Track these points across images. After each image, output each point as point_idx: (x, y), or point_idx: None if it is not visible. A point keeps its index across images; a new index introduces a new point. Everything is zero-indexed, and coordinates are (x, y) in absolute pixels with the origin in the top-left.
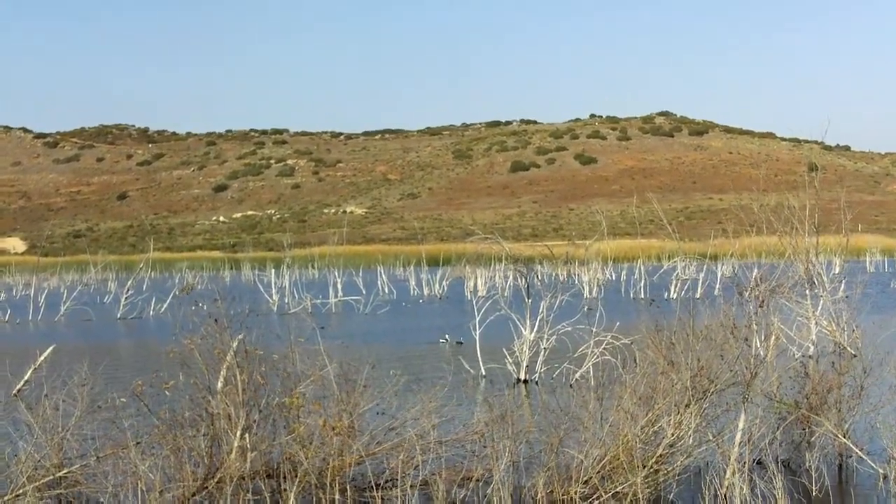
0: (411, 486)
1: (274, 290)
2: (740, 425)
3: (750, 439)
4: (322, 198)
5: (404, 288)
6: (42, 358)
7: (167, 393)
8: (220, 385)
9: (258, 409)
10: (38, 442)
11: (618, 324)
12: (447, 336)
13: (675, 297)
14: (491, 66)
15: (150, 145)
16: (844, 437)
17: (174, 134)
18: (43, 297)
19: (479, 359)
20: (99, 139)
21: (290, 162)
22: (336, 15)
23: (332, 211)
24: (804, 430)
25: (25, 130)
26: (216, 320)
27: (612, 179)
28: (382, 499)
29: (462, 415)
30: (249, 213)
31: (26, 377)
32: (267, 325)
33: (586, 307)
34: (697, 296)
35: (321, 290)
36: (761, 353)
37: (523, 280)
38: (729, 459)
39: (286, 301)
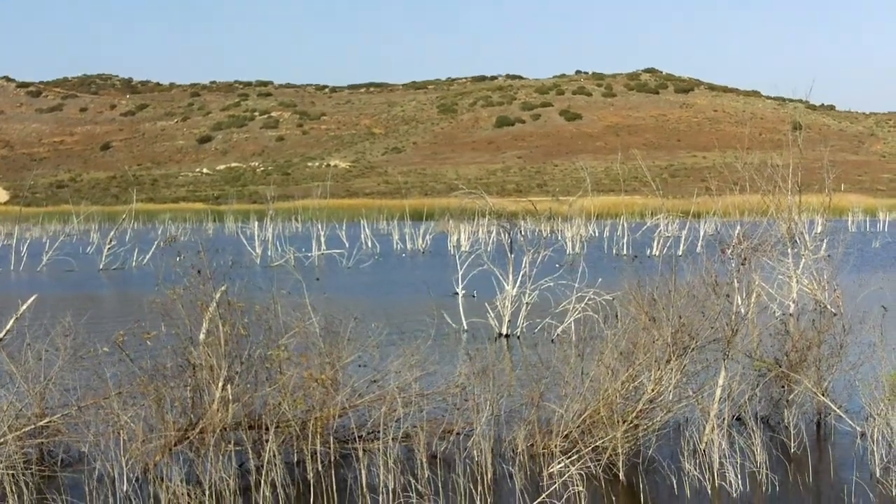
0: (393, 439)
1: (257, 243)
2: (720, 382)
3: (730, 396)
4: (306, 151)
5: (388, 242)
6: (24, 307)
7: (149, 343)
8: (202, 336)
9: (240, 361)
10: (19, 391)
11: (600, 280)
12: (475, 291)
13: (657, 254)
14: (477, 21)
15: (133, 96)
16: (823, 395)
17: (158, 84)
18: (25, 247)
19: (462, 313)
20: (82, 89)
21: (274, 114)
22: None
23: (316, 164)
24: (783, 387)
25: (8, 79)
26: (199, 271)
27: (596, 136)
28: (364, 450)
29: (444, 369)
30: (233, 165)
31: (8, 326)
32: (250, 278)
33: (569, 263)
34: (680, 253)
35: (304, 244)
36: (742, 310)
37: (506, 235)
38: (708, 415)
39: (269, 254)
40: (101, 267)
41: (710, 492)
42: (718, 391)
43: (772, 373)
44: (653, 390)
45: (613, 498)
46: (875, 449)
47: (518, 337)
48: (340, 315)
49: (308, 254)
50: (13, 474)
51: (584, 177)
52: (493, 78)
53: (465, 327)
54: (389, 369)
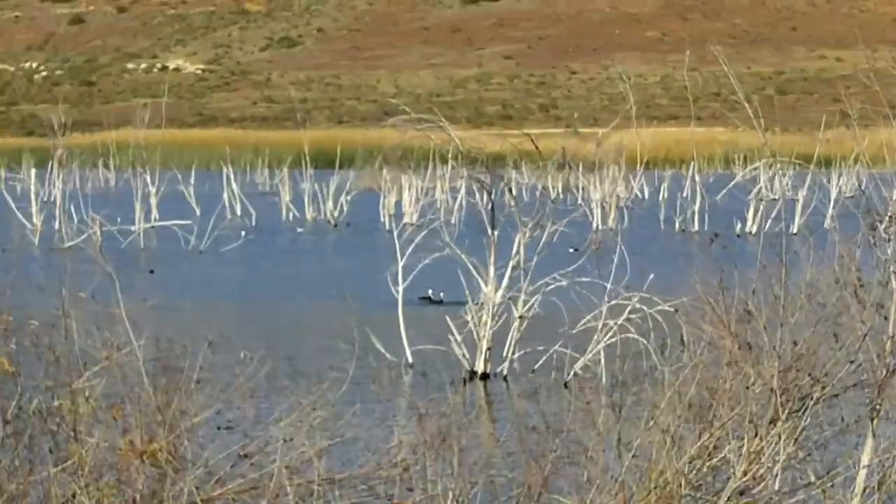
0: None
1: (35, 208)
2: (865, 458)
3: (882, 484)
4: (124, 43)
5: (271, 207)
6: None
7: None
8: None
9: (3, 420)
10: None
11: (651, 277)
12: (431, 291)
13: (754, 230)
14: None
15: None
16: None
17: None
18: None
19: (404, 334)
20: None
21: None
22: None
23: (143, 66)
24: None
25: None
26: None
27: (646, 20)
28: None
29: (371, 434)
30: None
31: None
32: (23, 271)
33: (596, 246)
34: (794, 230)
35: (120, 209)
36: None
37: (485, 197)
38: None
39: (57, 226)
40: None
41: None
42: (862, 475)
43: None
44: (745, 473)
45: None
46: None
47: (505, 378)
48: (184, 337)
49: (128, 227)
50: None
51: (624, 93)
52: None
53: (410, 360)
54: (273, 436)
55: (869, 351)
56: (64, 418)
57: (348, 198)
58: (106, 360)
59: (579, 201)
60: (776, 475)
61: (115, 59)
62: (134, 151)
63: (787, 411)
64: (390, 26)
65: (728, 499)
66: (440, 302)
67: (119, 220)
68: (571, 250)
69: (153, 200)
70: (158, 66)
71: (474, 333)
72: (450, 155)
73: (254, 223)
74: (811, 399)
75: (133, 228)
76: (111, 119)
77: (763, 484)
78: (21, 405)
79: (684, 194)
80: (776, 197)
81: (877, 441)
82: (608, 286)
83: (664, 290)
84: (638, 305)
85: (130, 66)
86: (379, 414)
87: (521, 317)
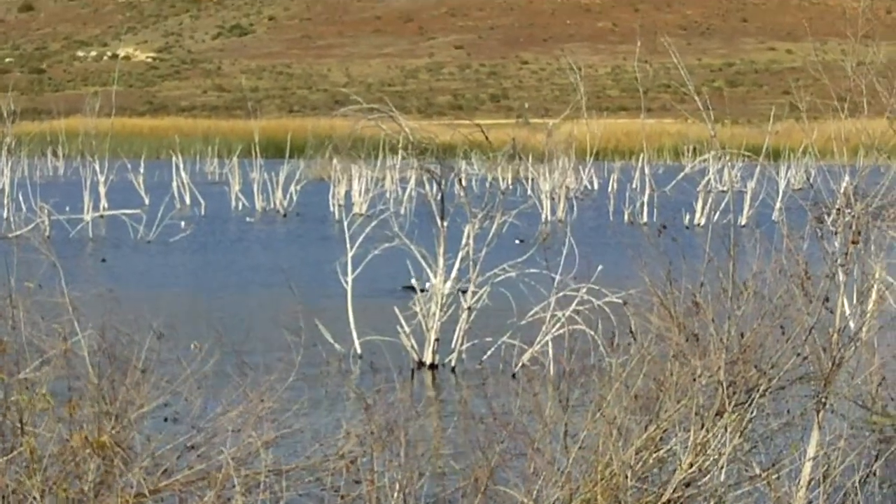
0: None
1: None
2: (810, 451)
3: (827, 476)
4: (75, 31)
5: (220, 196)
6: None
7: None
8: None
9: None
10: None
11: (600, 268)
12: (415, 280)
13: (702, 222)
14: None
15: None
16: None
17: None
18: None
19: (352, 325)
20: None
21: None
22: None
23: (93, 54)
24: None
25: None
26: None
27: (598, 10)
28: None
29: (319, 425)
30: None
31: None
32: None
33: (544, 237)
34: (743, 221)
35: (70, 198)
36: (851, 324)
37: (435, 188)
38: None
39: (5, 215)
40: None
41: None
42: (807, 468)
43: None
44: (691, 465)
45: None
46: None
47: (453, 369)
48: (131, 327)
49: (77, 216)
50: None
51: (574, 83)
52: None
53: (359, 351)
54: (220, 426)
55: (815, 344)
56: (9, 409)
57: (298, 187)
58: (52, 351)
59: (529, 192)
60: (722, 467)
61: (65, 47)
62: (83, 140)
63: (733, 403)
64: (342, 15)
65: (674, 490)
66: (423, 290)
67: (68, 208)
68: (518, 241)
69: (102, 189)
70: (109, 54)
71: (423, 324)
72: (400, 145)
73: (203, 212)
74: (757, 391)
75: (82, 217)
76: (61, 107)
77: (709, 476)
78: None
79: (633, 186)
80: (725, 189)
81: (822, 433)
82: (556, 277)
83: (613, 281)
84: (586, 297)
85: (80, 53)
86: (326, 405)
87: (469, 308)
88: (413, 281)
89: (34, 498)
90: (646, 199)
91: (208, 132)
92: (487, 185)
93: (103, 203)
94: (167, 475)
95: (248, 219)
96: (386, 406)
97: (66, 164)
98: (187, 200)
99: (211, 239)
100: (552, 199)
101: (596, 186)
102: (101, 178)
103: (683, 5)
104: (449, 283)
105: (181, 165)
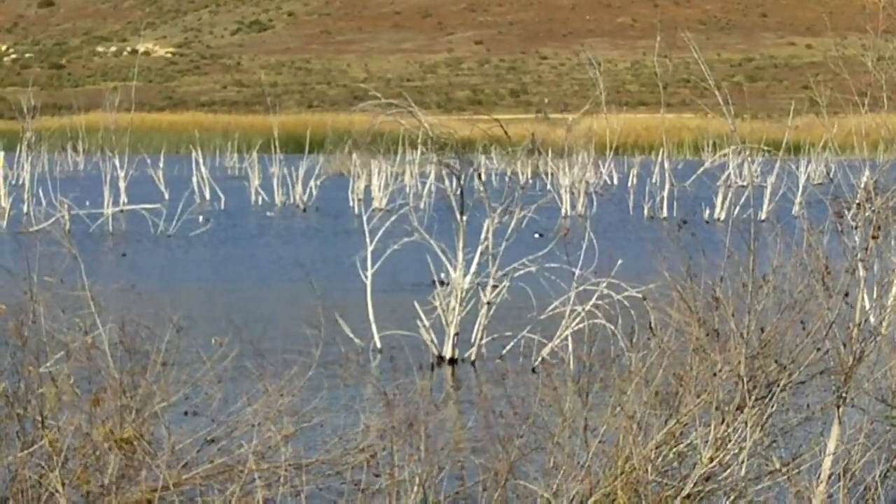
0: None
1: (3, 191)
2: (830, 445)
3: (847, 471)
4: (94, 26)
5: (240, 191)
6: None
7: None
8: None
9: None
10: None
11: (619, 262)
12: (444, 274)
13: (722, 217)
14: None
15: None
16: None
17: None
18: None
19: (372, 320)
20: None
21: None
22: None
23: (112, 50)
24: None
25: None
26: None
27: (617, 5)
28: None
29: (339, 420)
30: None
31: None
32: None
33: (564, 232)
34: (763, 216)
35: (89, 192)
36: (872, 319)
37: (454, 183)
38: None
39: (25, 210)
40: None
41: None
42: (827, 462)
43: None
44: (711, 459)
45: None
46: None
47: (473, 363)
48: (151, 321)
49: (97, 211)
50: None
51: (594, 78)
52: None
53: (379, 345)
54: (241, 420)
55: (835, 338)
56: (30, 402)
57: (318, 182)
58: (73, 344)
59: (548, 187)
60: (742, 462)
61: (85, 43)
62: (103, 135)
63: (753, 398)
64: (361, 10)
65: (694, 485)
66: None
67: (88, 203)
68: (536, 235)
69: (122, 184)
70: (128, 49)
71: (442, 319)
72: (419, 140)
73: (223, 206)
74: (777, 386)
75: (102, 212)
76: (81, 102)
77: (729, 470)
78: None
79: (653, 180)
80: (745, 184)
81: (842, 428)
82: (576, 272)
83: (633, 276)
84: (606, 291)
85: (100, 49)
86: (346, 399)
87: (489, 302)
88: (442, 275)
89: (56, 490)
90: (665, 193)
91: (228, 127)
92: (507, 179)
93: (123, 198)
94: (188, 469)
95: (267, 213)
96: (405, 400)
97: (86, 159)
98: (207, 195)
99: (230, 233)
100: (572, 193)
101: (616, 181)
102: (121, 173)
103: (703, 0)
104: (469, 278)
105: (201, 160)
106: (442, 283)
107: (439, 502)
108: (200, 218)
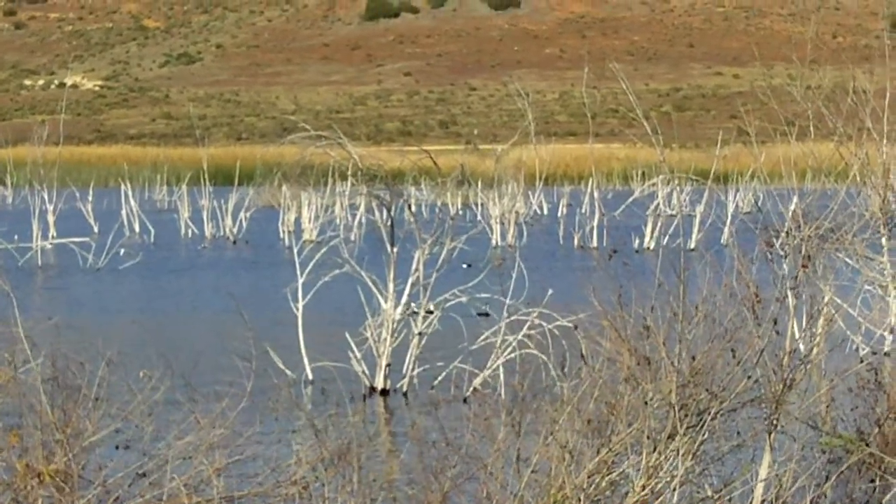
0: None
1: None
2: (762, 472)
3: (779, 497)
4: (22, 59)
5: (170, 224)
6: None
7: None
8: None
9: None
10: None
11: (550, 292)
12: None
13: (652, 246)
14: None
15: None
16: None
17: None
18: None
19: (303, 351)
20: None
21: None
22: None
23: (40, 83)
24: (874, 480)
25: None
26: None
27: (546, 36)
28: None
29: (270, 451)
30: None
31: None
32: None
33: (498, 262)
34: (692, 245)
35: (18, 226)
36: (801, 347)
37: (384, 214)
38: None
39: None
40: None
41: None
42: (759, 489)
43: (853, 456)
44: (644, 487)
45: None
46: None
47: (405, 394)
48: (82, 355)
49: (25, 245)
50: None
51: (523, 109)
52: None
53: (311, 377)
54: (172, 453)
55: (766, 366)
56: None
57: (247, 215)
58: (2, 379)
59: (478, 217)
60: (674, 489)
61: (12, 76)
62: (31, 168)
63: (685, 426)
64: (289, 42)
65: None
66: (487, 315)
67: (16, 237)
68: (465, 266)
69: (51, 218)
70: (56, 82)
71: (374, 350)
72: (349, 172)
73: (152, 239)
74: (709, 414)
75: (31, 246)
76: (8, 136)
77: (661, 498)
78: None
79: (583, 210)
80: (674, 213)
81: (773, 455)
82: (506, 302)
83: (563, 306)
84: (537, 321)
85: (28, 82)
86: (278, 431)
87: (420, 333)
88: (486, 307)
89: None
90: (595, 223)
91: (157, 160)
92: (437, 210)
93: (52, 231)
94: (119, 503)
95: (199, 246)
96: (338, 432)
97: (14, 193)
98: (136, 228)
99: (161, 266)
100: (502, 224)
101: (545, 211)
102: (50, 207)
103: (630, 31)
104: (399, 309)
105: (130, 193)
106: (487, 314)
107: None
108: (123, 251)
